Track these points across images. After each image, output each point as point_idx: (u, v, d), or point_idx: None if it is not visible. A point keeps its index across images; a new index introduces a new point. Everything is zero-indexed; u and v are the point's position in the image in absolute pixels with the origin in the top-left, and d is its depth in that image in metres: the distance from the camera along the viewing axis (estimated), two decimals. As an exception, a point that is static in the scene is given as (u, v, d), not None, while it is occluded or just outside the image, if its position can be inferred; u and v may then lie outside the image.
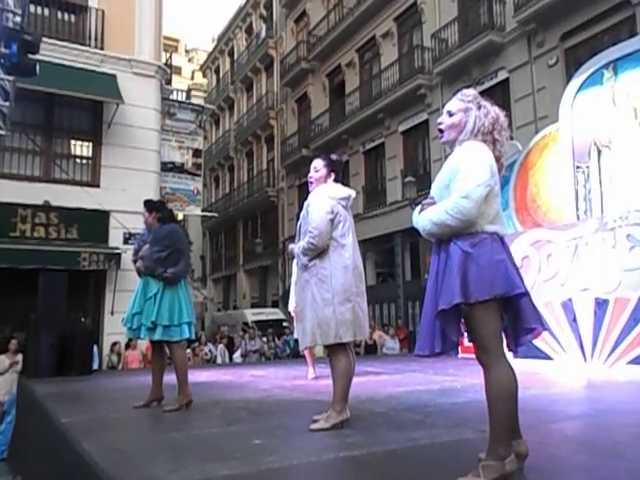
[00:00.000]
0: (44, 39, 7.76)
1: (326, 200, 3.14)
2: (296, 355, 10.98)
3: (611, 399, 4.24)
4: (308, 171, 3.39)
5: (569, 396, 4.52)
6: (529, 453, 2.09)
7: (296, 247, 3.20)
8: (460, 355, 7.20)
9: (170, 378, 4.10)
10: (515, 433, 2.06)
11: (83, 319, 8.06)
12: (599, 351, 6.04)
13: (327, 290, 3.02)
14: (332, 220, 3.10)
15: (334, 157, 3.39)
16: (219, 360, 10.60)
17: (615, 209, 6.35)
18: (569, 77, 8.69)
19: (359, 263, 3.17)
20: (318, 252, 3.07)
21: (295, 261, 3.26)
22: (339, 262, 3.06)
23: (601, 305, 6.07)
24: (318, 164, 3.32)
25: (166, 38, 19.82)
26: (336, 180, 3.32)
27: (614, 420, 3.29)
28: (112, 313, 9.97)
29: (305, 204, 3.26)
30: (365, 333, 3.20)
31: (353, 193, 3.32)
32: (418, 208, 2.18)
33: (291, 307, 5.44)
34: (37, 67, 6.42)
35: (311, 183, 3.34)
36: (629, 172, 6.33)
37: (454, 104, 2.21)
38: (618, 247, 6.06)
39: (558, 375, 5.74)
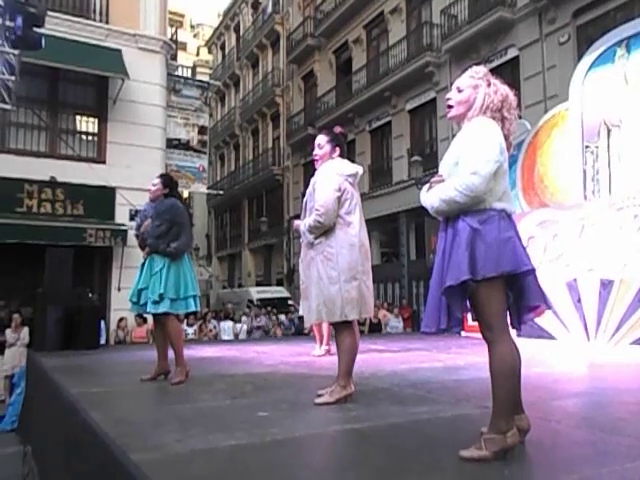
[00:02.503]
0: (48, 12, 7.68)
1: (333, 177, 3.10)
2: (299, 332, 11.10)
3: (613, 378, 4.28)
4: (313, 149, 3.34)
5: (571, 375, 4.56)
6: (531, 428, 2.12)
7: (302, 224, 3.15)
8: (463, 334, 7.23)
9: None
10: (517, 408, 2.08)
11: (90, 294, 8.13)
12: (603, 331, 6.06)
13: (333, 268, 3.00)
14: (339, 198, 3.06)
15: (337, 130, 3.33)
16: (227, 336, 10.71)
17: (623, 190, 6.30)
18: (580, 55, 8.54)
19: (365, 241, 3.14)
20: (324, 230, 3.04)
21: (301, 239, 3.25)
22: (345, 240, 3.03)
23: (606, 286, 6.07)
24: (321, 140, 3.26)
25: (171, 13, 19.58)
26: (341, 155, 3.26)
27: (615, 398, 3.32)
28: (119, 289, 10.07)
29: (312, 181, 3.22)
30: (370, 311, 3.19)
31: (360, 170, 3.27)
32: (426, 186, 2.18)
33: None
34: (43, 40, 6.37)
35: (316, 160, 3.28)
36: (638, 152, 6.26)
37: (464, 80, 2.19)
38: (625, 228, 6.03)
39: (561, 354, 5.77)
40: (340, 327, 3.07)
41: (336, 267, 3.00)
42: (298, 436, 2.41)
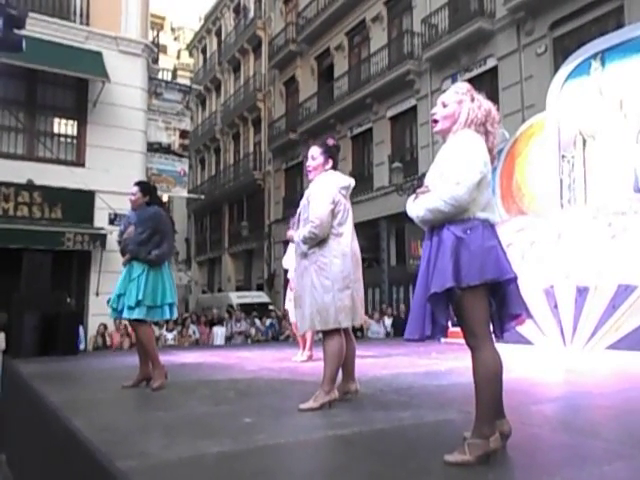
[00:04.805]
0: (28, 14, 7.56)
1: (328, 190, 3.19)
2: (276, 338, 11.14)
3: (589, 383, 4.38)
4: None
5: (549, 380, 4.66)
6: (512, 432, 2.17)
7: (296, 235, 3.24)
8: (443, 340, 7.34)
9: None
10: (499, 413, 2.14)
11: (68, 299, 8.00)
12: (578, 336, 6.20)
13: (326, 277, 3.09)
14: (332, 210, 3.15)
15: (330, 142, 3.41)
16: (220, 341, 10.71)
17: (598, 198, 6.47)
18: (557, 66, 8.77)
19: (357, 250, 3.25)
20: (318, 241, 3.13)
21: (294, 247, 3.30)
22: (338, 250, 3.13)
23: (582, 292, 6.22)
24: (315, 152, 3.34)
25: (152, 16, 19.40)
26: (334, 167, 3.35)
27: (592, 402, 3.42)
28: (97, 294, 9.93)
29: (306, 193, 3.31)
30: (362, 317, 3.30)
31: (352, 182, 3.38)
32: (412, 197, 2.23)
33: None
34: (24, 43, 6.29)
35: (309, 172, 3.38)
36: (613, 162, 6.44)
37: (448, 96, 2.26)
38: (600, 235, 6.19)
39: (538, 360, 5.89)
40: (328, 333, 3.12)
41: (329, 276, 3.09)
42: (284, 442, 2.42)
